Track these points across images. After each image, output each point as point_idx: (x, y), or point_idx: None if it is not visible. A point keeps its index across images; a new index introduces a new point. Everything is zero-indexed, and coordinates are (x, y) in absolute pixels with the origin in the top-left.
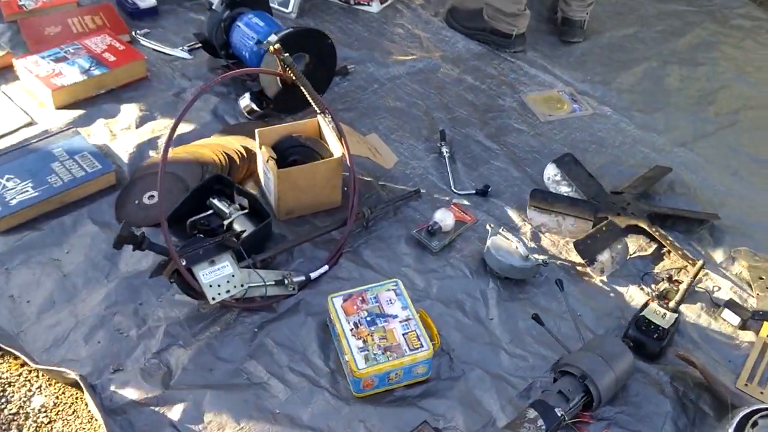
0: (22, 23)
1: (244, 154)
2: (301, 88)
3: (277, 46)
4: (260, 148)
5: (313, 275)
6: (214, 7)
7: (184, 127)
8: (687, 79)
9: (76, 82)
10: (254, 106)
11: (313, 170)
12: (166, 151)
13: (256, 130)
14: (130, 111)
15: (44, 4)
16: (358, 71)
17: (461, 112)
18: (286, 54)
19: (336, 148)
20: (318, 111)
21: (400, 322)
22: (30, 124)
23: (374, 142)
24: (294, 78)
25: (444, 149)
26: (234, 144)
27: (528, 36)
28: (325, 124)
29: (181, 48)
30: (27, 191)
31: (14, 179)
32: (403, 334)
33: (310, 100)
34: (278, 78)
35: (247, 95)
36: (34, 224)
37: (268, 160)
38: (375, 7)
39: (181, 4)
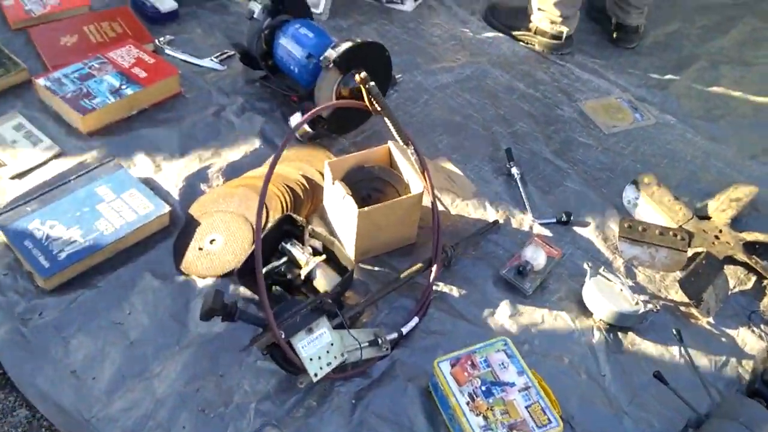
0: (33, 33)
1: (307, 186)
2: (386, 119)
3: (363, 75)
4: (333, 183)
5: (404, 330)
6: (255, 16)
7: (232, 154)
8: (741, 81)
9: (108, 104)
10: (306, 127)
11: (393, 208)
12: (259, 218)
13: (326, 163)
14: (170, 135)
15: (53, 8)
16: (405, 80)
17: (521, 125)
18: (372, 83)
19: (414, 180)
20: (402, 143)
21: (519, 391)
22: (60, 154)
23: (447, 168)
24: (379, 109)
25: (514, 171)
26: (294, 174)
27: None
28: (398, 152)
29: (211, 58)
30: (76, 241)
31: (59, 226)
32: (526, 407)
33: (394, 133)
34: (334, 95)
35: (298, 115)
36: (87, 280)
37: (344, 197)
38: (408, 6)
39: (201, 5)
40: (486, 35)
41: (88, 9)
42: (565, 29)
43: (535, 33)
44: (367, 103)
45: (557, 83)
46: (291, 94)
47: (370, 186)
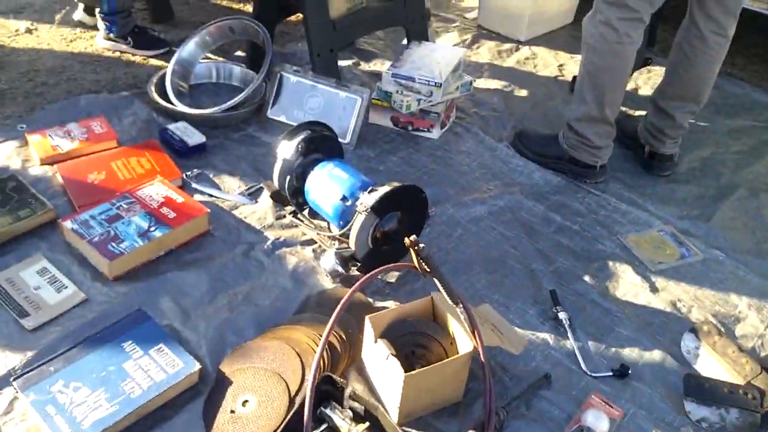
0: (60, 169)
1: (344, 338)
2: (435, 280)
3: (413, 238)
4: (376, 341)
5: None
6: (288, 157)
7: (263, 297)
8: None
9: (136, 248)
10: (339, 268)
11: (442, 369)
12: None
13: (367, 318)
14: (198, 280)
15: (81, 144)
16: (438, 213)
17: (562, 262)
18: (422, 245)
19: (461, 335)
20: (452, 303)
21: None
22: (85, 301)
23: (491, 317)
24: (429, 271)
25: (562, 316)
26: (344, 318)
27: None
28: (441, 304)
29: (239, 192)
30: (101, 406)
31: (84, 389)
32: None
33: (443, 293)
34: (369, 238)
35: (331, 255)
36: None
37: (388, 358)
38: (435, 133)
39: (228, 137)
40: (516, 163)
41: (116, 143)
42: (599, 159)
43: (567, 161)
44: (417, 264)
45: (594, 215)
46: (322, 234)
47: (414, 342)
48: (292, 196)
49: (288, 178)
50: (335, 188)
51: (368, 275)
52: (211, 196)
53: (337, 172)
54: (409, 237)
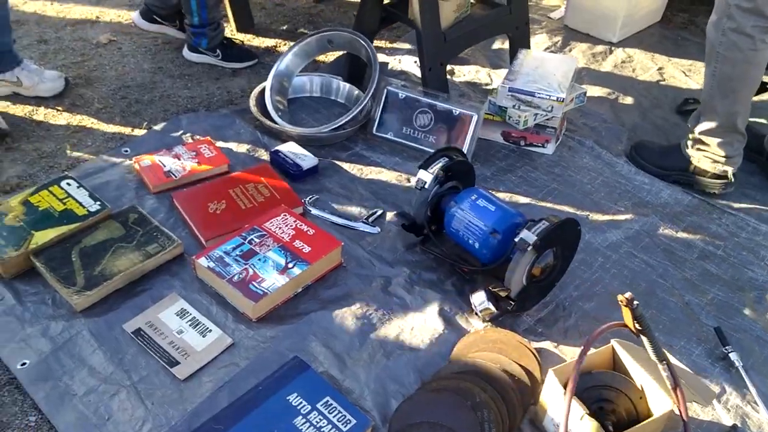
0: (177, 199)
1: (516, 388)
2: (643, 338)
3: (628, 295)
4: (564, 398)
5: None
6: (426, 186)
7: (415, 340)
8: None
9: (278, 287)
10: (492, 307)
11: (643, 430)
12: None
13: (551, 371)
14: (344, 321)
15: (193, 169)
16: None
17: (716, 293)
18: (637, 303)
19: (655, 392)
20: (656, 361)
21: None
22: (232, 346)
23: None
24: (641, 330)
25: (733, 357)
26: (494, 369)
27: None
28: (623, 352)
29: (362, 220)
30: None
31: None
32: None
33: (648, 350)
34: (525, 275)
35: (482, 294)
36: None
37: (583, 418)
38: (550, 149)
39: (336, 157)
40: (641, 180)
41: (227, 167)
42: (729, 168)
43: (693, 173)
44: (628, 323)
45: (736, 238)
46: (462, 266)
47: (599, 396)
48: (428, 226)
49: (425, 208)
50: (482, 221)
51: (595, 334)
52: (333, 224)
53: (483, 203)
54: (625, 295)
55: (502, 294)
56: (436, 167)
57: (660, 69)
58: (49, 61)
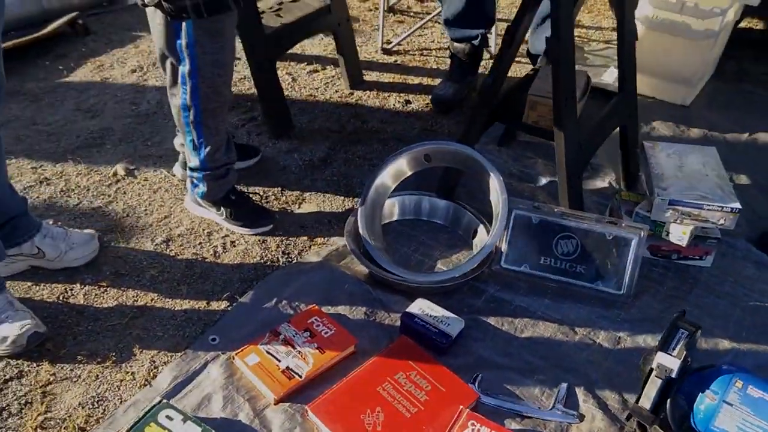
0: (317, 412)
1: None
2: None
3: None
4: None
5: None
6: (673, 375)
7: None
8: None
9: None
10: None
11: None
12: None
13: None
14: None
15: (318, 362)
16: None
17: None
18: None
19: None
20: None
21: None
22: None
23: None
24: None
25: None
26: None
27: None
28: None
29: (560, 408)
30: None
31: None
32: None
33: None
34: None
35: None
36: None
37: None
38: (708, 261)
39: (471, 308)
40: None
41: (354, 347)
42: None
43: None
44: None
45: None
46: None
47: None
48: (678, 424)
49: (670, 401)
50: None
51: None
52: (524, 416)
53: (759, 394)
54: None
55: None
56: (679, 346)
57: (752, 135)
58: (60, 209)
